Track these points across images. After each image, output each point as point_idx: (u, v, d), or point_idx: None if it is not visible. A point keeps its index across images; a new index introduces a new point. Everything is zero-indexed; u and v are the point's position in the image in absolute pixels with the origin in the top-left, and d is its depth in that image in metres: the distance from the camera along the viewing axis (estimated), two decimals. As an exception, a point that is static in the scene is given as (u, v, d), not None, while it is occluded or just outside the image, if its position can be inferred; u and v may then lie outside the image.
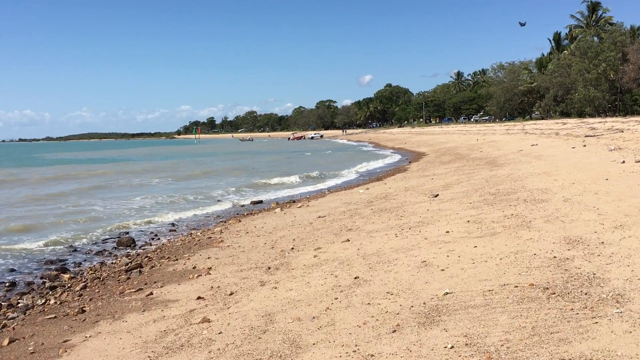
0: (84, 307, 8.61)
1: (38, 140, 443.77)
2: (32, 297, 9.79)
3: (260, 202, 22.58)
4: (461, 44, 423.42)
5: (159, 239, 15.19)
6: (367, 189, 22.25)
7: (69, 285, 10.40)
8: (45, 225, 17.90)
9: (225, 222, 17.21)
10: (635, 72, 57.34)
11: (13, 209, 22.26)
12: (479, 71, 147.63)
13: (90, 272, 11.37)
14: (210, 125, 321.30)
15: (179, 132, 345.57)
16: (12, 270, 12.11)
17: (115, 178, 38.08)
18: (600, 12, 78.05)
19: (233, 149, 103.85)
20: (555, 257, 7.34)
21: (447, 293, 6.42)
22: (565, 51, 77.76)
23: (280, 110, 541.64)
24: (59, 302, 9.19)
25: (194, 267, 10.56)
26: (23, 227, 17.50)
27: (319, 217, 15.29)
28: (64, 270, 11.64)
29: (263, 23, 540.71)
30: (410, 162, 39.84)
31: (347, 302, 6.70)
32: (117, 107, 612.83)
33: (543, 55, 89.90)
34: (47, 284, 10.59)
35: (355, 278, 7.74)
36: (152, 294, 8.84)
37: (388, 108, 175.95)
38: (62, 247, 14.54)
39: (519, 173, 18.91)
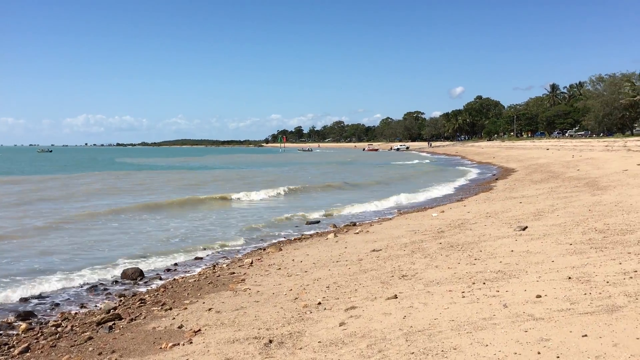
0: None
1: (134, 145, 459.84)
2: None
3: (317, 222, 19.66)
4: (558, 55, 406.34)
5: (175, 270, 12.46)
6: (442, 211, 18.96)
7: (13, 343, 7.74)
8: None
9: (264, 249, 14.36)
10: None
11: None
12: (576, 84, 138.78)
13: (54, 323, 8.61)
14: (297, 135, 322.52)
15: (267, 141, 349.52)
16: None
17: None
18: None
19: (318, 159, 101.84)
20: None
21: None
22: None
23: (369, 120, 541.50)
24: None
25: (180, 327, 7.70)
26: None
27: (373, 250, 12.24)
28: (28, 316, 8.98)
29: (356, 31, 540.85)
30: (496, 179, 36.01)
31: None
32: (211, 115, 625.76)
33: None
34: (-13, 339, 7.99)
35: (381, 388, 4.68)
36: (91, 377, 6.04)
37: (477, 121, 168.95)
38: (54, 278, 11.76)
39: (630, 200, 15.23)
